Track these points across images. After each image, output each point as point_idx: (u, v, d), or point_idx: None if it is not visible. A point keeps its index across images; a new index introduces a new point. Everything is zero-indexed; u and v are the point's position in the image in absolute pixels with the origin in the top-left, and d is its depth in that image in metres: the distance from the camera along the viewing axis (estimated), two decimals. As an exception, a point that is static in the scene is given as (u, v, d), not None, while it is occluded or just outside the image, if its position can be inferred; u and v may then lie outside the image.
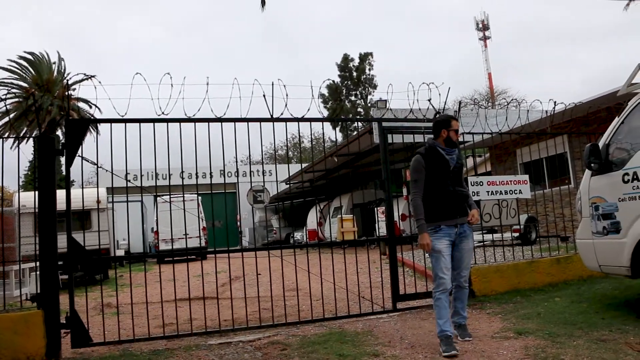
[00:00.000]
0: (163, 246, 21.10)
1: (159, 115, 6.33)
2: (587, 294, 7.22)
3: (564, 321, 5.74)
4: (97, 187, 8.13)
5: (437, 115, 6.19)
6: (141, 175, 6.21)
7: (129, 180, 6.33)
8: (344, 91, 54.75)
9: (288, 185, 24.43)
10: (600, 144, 5.94)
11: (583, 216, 6.22)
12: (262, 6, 12.11)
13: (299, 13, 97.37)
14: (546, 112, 8.98)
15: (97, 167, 6.46)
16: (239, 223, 32.27)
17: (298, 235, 29.63)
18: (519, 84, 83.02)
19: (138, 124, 6.38)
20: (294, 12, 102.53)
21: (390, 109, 7.82)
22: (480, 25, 67.46)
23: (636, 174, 5.45)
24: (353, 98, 55.71)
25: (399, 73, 72.67)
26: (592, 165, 5.90)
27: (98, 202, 10.75)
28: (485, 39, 66.80)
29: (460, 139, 6.05)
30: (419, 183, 5.13)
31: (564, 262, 8.34)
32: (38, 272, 5.78)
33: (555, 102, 8.60)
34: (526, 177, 8.42)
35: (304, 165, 21.69)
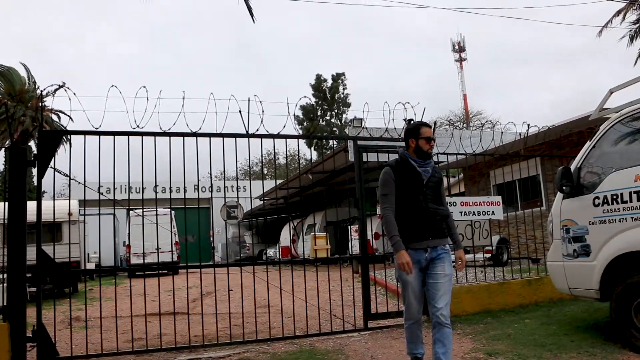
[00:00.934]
0: (135, 260, 20.88)
1: (133, 128, 6.28)
2: (557, 316, 7.30)
3: (533, 343, 5.79)
4: (69, 199, 8.01)
5: (407, 124, 5.60)
6: (114, 188, 6.16)
7: (102, 193, 6.26)
8: (319, 111, 54.99)
9: (262, 202, 24.36)
10: (572, 167, 6.04)
11: (554, 238, 6.30)
12: (253, 20, 12.37)
13: (270, 31, 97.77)
14: (520, 134, 9.12)
15: (70, 179, 6.36)
16: (212, 238, 32.04)
17: (271, 251, 29.51)
18: (491, 104, 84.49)
19: (112, 136, 6.32)
20: (265, 29, 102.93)
21: (366, 128, 7.87)
22: (457, 47, 68.39)
23: (606, 197, 5.54)
24: (327, 117, 55.97)
25: (373, 91, 73.25)
26: (564, 188, 6.00)
27: (69, 214, 10.58)
28: (461, 60, 67.73)
29: (435, 159, 5.81)
30: (389, 197, 4.47)
31: (535, 284, 8.43)
32: (5, 284, 5.65)
33: (529, 125, 8.74)
34: (499, 198, 8.52)
35: (278, 182, 21.67)
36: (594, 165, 5.90)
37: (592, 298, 5.79)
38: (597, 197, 5.65)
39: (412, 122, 5.26)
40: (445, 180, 4.63)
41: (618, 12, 13.18)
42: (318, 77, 55.43)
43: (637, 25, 13.29)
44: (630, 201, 5.28)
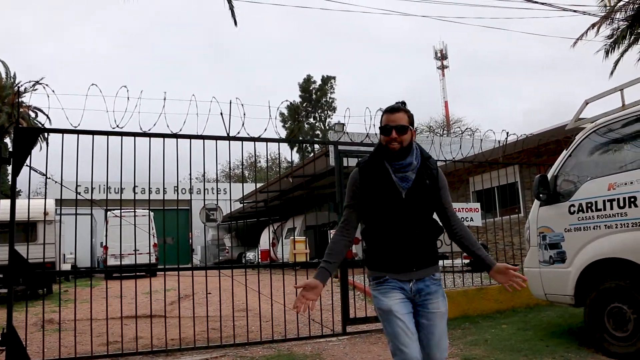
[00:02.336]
0: (112, 261, 20.61)
1: (113, 128, 6.23)
2: (533, 321, 7.37)
3: (510, 348, 5.84)
4: (45, 198, 7.89)
5: None
6: (92, 188, 6.09)
7: (79, 193, 6.19)
8: (304, 113, 54.89)
9: (242, 205, 24.26)
10: (549, 175, 6.12)
11: (531, 245, 6.37)
12: (235, 23, 12.54)
13: (252, 35, 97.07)
14: (499, 142, 9.21)
15: (46, 177, 6.29)
16: (191, 241, 31.81)
17: (250, 255, 29.37)
18: (469, 112, 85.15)
19: (91, 135, 6.26)
20: (247, 33, 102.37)
21: (347, 133, 7.90)
22: (439, 55, 68.81)
23: (582, 205, 5.63)
24: (312, 120, 55.90)
25: (357, 96, 73.48)
26: (541, 195, 6.08)
27: (45, 214, 10.43)
28: (443, 68, 68.15)
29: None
30: (347, 212, 3.25)
31: (512, 290, 8.49)
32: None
33: (507, 133, 8.84)
34: (478, 205, 8.59)
35: (259, 185, 21.61)
36: (569, 173, 6.00)
37: (567, 304, 5.87)
38: (573, 205, 5.74)
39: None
40: (445, 179, 3.33)
41: (593, 26, 13.50)
42: (307, 78, 55.26)
43: (612, 39, 13.67)
44: (604, 209, 5.37)
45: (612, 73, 14.31)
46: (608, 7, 13.81)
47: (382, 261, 3.20)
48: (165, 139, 6.52)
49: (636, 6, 13.06)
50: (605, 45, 14.08)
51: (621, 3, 13.60)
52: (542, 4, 14.13)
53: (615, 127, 5.67)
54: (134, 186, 6.24)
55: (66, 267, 20.73)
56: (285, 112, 53.24)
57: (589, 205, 5.55)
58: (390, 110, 3.18)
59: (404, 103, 3.24)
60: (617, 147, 5.77)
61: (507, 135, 8.82)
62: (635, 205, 5.09)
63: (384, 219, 3.16)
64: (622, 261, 5.21)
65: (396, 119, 3.13)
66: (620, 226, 5.23)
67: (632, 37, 13.73)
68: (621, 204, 5.24)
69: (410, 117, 3.20)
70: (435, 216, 3.31)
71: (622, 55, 14.07)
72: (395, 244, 3.15)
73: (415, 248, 3.17)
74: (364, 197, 3.19)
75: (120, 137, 6.36)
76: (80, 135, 6.20)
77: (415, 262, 3.18)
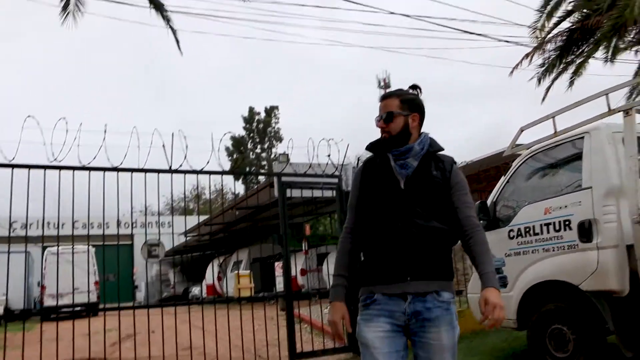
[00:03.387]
0: (50, 302, 19.74)
1: (51, 161, 6.05)
2: (479, 347, 7.46)
3: (456, 374, 5.88)
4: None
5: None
6: (27, 225, 5.86)
7: (14, 229, 5.94)
8: (250, 144, 54.74)
9: (186, 238, 23.83)
10: (489, 201, 6.29)
11: (474, 271, 6.48)
12: (180, 52, 12.61)
13: (193, 65, 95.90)
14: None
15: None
16: (134, 277, 30.94)
17: (196, 290, 28.79)
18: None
19: (27, 169, 6.05)
20: (187, 63, 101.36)
21: (291, 164, 7.92)
22: (382, 84, 70.07)
23: (520, 230, 5.79)
24: (258, 150, 55.78)
25: (301, 125, 73.61)
26: (481, 221, 6.22)
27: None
28: (386, 97, 69.25)
29: None
30: (350, 213, 2.85)
31: (458, 316, 8.58)
32: None
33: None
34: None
35: (203, 218, 21.32)
36: (508, 199, 6.18)
37: (511, 327, 5.98)
38: (512, 230, 5.90)
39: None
40: (462, 177, 2.76)
41: (527, 55, 14.16)
42: (250, 109, 55.23)
43: (543, 68, 14.39)
44: (542, 233, 5.55)
45: (543, 99, 14.99)
46: (539, 38, 14.50)
47: (371, 270, 2.63)
48: (106, 172, 6.38)
49: (564, 37, 13.75)
50: (538, 73, 14.74)
51: (551, 35, 14.30)
52: (479, 34, 14.72)
53: (549, 152, 5.90)
54: (73, 221, 6.03)
55: (-3, 309, 19.75)
56: (230, 144, 53.01)
57: (527, 229, 5.72)
58: (381, 98, 2.86)
59: (414, 87, 2.85)
60: (551, 172, 5.99)
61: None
62: (570, 228, 5.27)
63: (378, 215, 2.65)
64: (560, 283, 5.37)
65: (384, 107, 2.78)
66: (557, 249, 5.40)
67: (562, 65, 14.44)
68: (557, 227, 5.41)
69: (405, 102, 2.75)
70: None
71: (552, 82, 14.78)
72: (386, 243, 2.57)
73: (410, 250, 2.52)
74: (367, 191, 2.75)
75: (58, 170, 6.18)
76: (14, 169, 5.99)
77: (409, 269, 2.51)
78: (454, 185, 2.68)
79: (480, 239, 2.69)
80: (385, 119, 2.72)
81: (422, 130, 2.80)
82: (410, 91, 2.82)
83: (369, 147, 2.86)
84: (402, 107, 2.73)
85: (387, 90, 3.01)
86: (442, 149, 2.78)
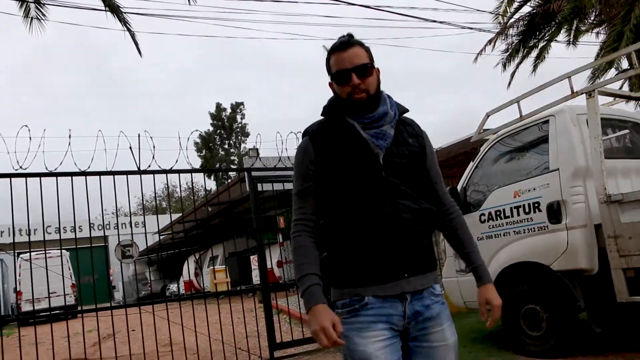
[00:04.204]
0: (28, 307, 19.54)
1: (16, 170, 5.96)
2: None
3: (434, 358, 5.97)
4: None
5: None
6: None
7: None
8: (218, 140, 54.46)
9: (160, 237, 23.64)
10: (459, 187, 6.36)
11: (447, 255, 6.58)
12: (140, 54, 12.49)
13: (153, 65, 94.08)
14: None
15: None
16: (110, 278, 30.66)
17: (174, 287, 28.67)
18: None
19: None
20: (148, 63, 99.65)
21: (260, 158, 7.93)
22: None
23: (491, 214, 5.88)
24: (227, 146, 55.51)
25: (267, 120, 73.33)
26: (453, 206, 6.30)
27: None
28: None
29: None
30: (304, 200, 2.18)
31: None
32: None
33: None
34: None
35: (177, 215, 21.19)
36: (478, 183, 6.26)
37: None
38: (483, 214, 5.99)
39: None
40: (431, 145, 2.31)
41: (490, 41, 14.34)
42: (218, 105, 54.92)
43: (507, 53, 14.61)
44: (512, 216, 5.64)
45: (509, 84, 15.20)
46: (502, 24, 14.67)
47: (356, 269, 2.09)
48: (74, 177, 6.31)
49: (526, 22, 13.93)
50: (502, 58, 14.95)
51: (513, 20, 14.49)
52: (441, 22, 14.83)
53: (515, 136, 5.99)
54: (44, 227, 5.95)
55: (-27, 318, 19.46)
56: (199, 141, 52.70)
57: (498, 213, 5.81)
58: (339, 48, 2.12)
59: (351, 35, 2.16)
60: (519, 155, 6.08)
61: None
62: (539, 210, 5.38)
63: (355, 200, 2.08)
64: (532, 264, 5.48)
65: (351, 57, 2.08)
66: (527, 231, 5.50)
67: (525, 50, 14.65)
68: (526, 210, 5.51)
69: (369, 52, 2.15)
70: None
71: (517, 67, 15.00)
72: (374, 234, 2.06)
73: (406, 241, 2.08)
74: (323, 175, 2.12)
75: (24, 178, 6.08)
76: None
77: (408, 264, 2.08)
78: (429, 155, 2.24)
79: (463, 222, 2.37)
80: (360, 73, 2.07)
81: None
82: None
83: (326, 112, 2.21)
84: (370, 59, 2.14)
85: (343, 36, 2.14)
86: (408, 110, 2.26)
